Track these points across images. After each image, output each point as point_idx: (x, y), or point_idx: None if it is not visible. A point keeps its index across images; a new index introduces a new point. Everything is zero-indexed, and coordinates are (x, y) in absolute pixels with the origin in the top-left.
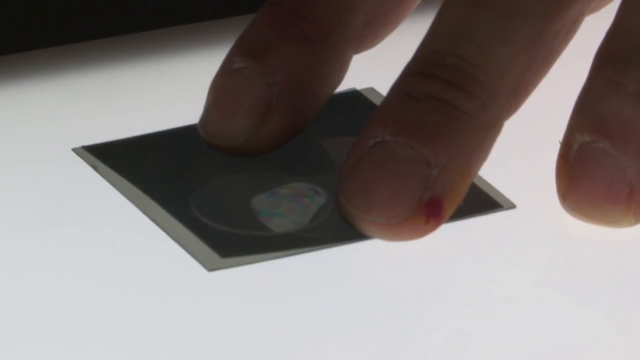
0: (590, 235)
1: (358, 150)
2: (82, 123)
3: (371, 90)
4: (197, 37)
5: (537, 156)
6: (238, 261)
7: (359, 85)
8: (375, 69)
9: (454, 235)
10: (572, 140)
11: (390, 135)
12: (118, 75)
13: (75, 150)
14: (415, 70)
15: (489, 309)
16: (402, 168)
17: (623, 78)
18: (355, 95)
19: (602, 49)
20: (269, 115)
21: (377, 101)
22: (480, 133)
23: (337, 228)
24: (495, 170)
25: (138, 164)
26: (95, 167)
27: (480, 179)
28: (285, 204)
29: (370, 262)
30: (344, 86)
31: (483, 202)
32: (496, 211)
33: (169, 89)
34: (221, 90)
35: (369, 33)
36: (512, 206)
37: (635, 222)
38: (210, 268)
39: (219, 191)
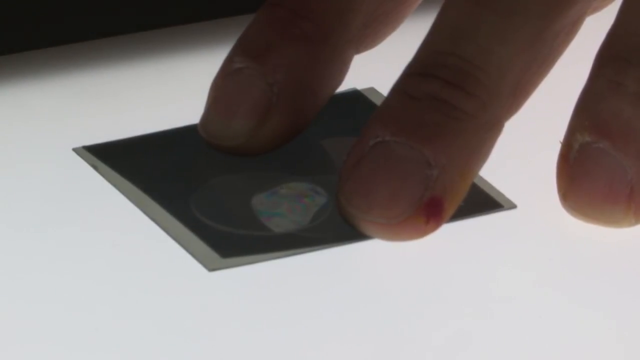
0: (590, 235)
1: (358, 150)
2: (82, 123)
3: (372, 90)
4: (197, 37)
5: (538, 156)
6: (238, 261)
7: (360, 85)
8: (375, 69)
9: (454, 236)
10: (573, 140)
11: (391, 135)
12: (118, 75)
13: (75, 150)
14: (415, 71)
15: (489, 309)
16: (402, 168)
17: (623, 78)
18: (355, 95)
19: (603, 50)
20: (269, 115)
21: (378, 101)
22: (481, 133)
23: (337, 228)
24: (495, 170)
25: (138, 164)
26: (95, 167)
27: (481, 179)
28: (285, 204)
29: (370, 262)
30: (344, 86)
31: (483, 202)
32: (497, 211)
33: (169, 89)
34: (221, 90)
35: (369, 33)
36: (512, 206)
37: (636, 222)
38: (211, 268)
39: (219, 191)
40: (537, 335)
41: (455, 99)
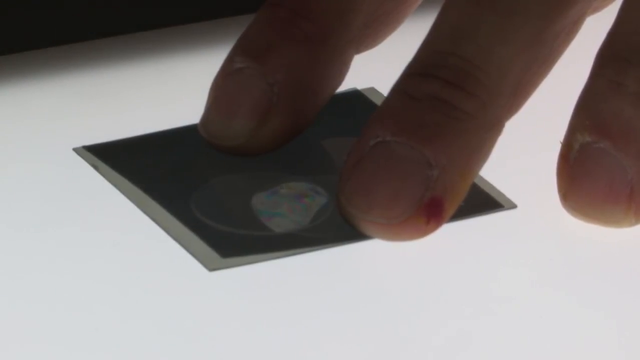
0: (590, 235)
1: (359, 150)
2: (82, 123)
3: (372, 90)
4: (197, 37)
5: (538, 156)
6: (239, 261)
7: (360, 85)
8: (375, 69)
9: (454, 236)
10: (573, 140)
11: (391, 135)
12: (118, 75)
13: (76, 150)
14: (416, 71)
15: (490, 309)
16: (402, 168)
17: (624, 78)
18: (356, 95)
19: (603, 49)
20: (269, 116)
21: (378, 101)
22: (481, 133)
23: (337, 228)
24: (496, 170)
25: (139, 164)
26: (96, 167)
27: (481, 178)
28: (285, 203)
29: (370, 262)
30: (344, 86)
31: (484, 202)
32: (497, 211)
33: (169, 89)
34: (222, 90)
35: (369, 33)
36: (513, 206)
37: (636, 222)
38: (211, 268)
39: (220, 191)
40: (537, 335)
41: (456, 99)
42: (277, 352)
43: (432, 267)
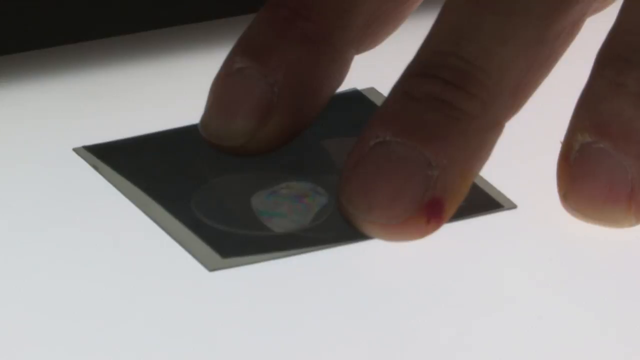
0: (591, 235)
1: (359, 150)
2: (82, 123)
3: (372, 90)
4: (197, 37)
5: (538, 156)
6: (239, 261)
7: (360, 85)
8: (376, 69)
9: (454, 236)
10: (573, 140)
11: (392, 135)
12: (118, 75)
13: (76, 150)
14: (416, 71)
15: (490, 309)
16: (403, 168)
17: (624, 78)
18: (356, 96)
19: (604, 50)
20: (269, 116)
21: (378, 101)
22: (481, 133)
23: (338, 228)
24: (496, 170)
25: (139, 164)
26: (96, 167)
27: (481, 179)
28: (286, 204)
29: (371, 263)
30: (344, 86)
31: (484, 202)
32: (497, 211)
33: (169, 89)
34: (222, 90)
35: (370, 33)
36: (513, 206)
37: (636, 222)
38: (211, 268)
39: (220, 191)
40: (537, 335)
41: (456, 99)
42: (277, 352)
43: (432, 267)
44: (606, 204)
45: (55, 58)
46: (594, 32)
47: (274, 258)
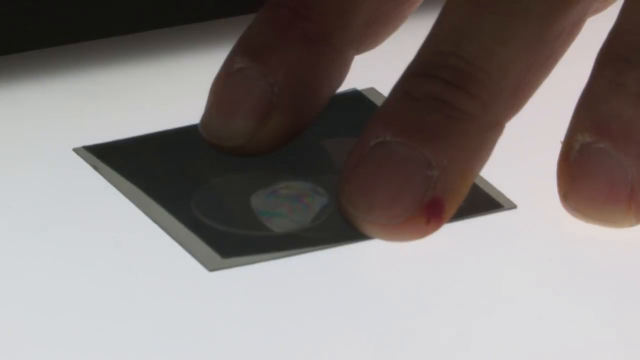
0: (590, 235)
1: (359, 150)
2: (82, 123)
3: (372, 90)
4: (197, 37)
5: (538, 156)
6: (239, 261)
7: (360, 86)
8: (375, 69)
9: (454, 236)
10: (574, 140)
11: (392, 135)
12: (118, 75)
13: (76, 150)
14: (417, 71)
15: (490, 309)
16: (403, 168)
17: (624, 78)
18: (356, 96)
19: (604, 50)
20: (269, 116)
21: (378, 101)
22: (482, 134)
23: (338, 228)
24: (496, 170)
25: (139, 164)
26: (95, 167)
27: (481, 179)
28: (286, 204)
29: (371, 263)
30: (344, 86)
31: (484, 202)
32: (497, 211)
33: (169, 89)
34: (222, 90)
35: (370, 33)
36: (513, 206)
37: (636, 223)
38: (211, 268)
39: (220, 191)
40: (537, 335)
41: (457, 99)
42: (277, 352)
43: (432, 268)
44: (606, 204)
45: (55, 58)
46: (594, 32)
47: (274, 258)
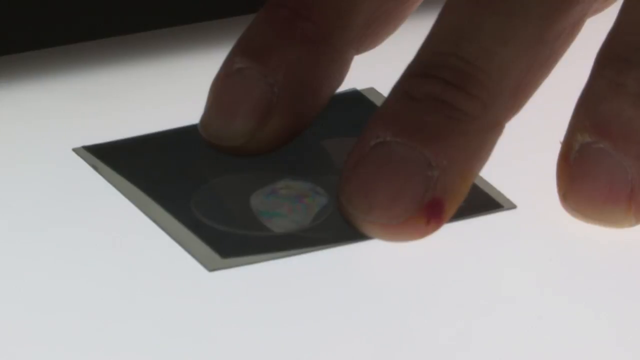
0: (590, 235)
1: (359, 150)
2: (82, 123)
3: (372, 90)
4: (197, 37)
5: (538, 156)
6: (239, 261)
7: (360, 86)
8: (375, 69)
9: (454, 236)
10: (573, 140)
11: (392, 135)
12: (118, 75)
13: (75, 150)
14: (416, 71)
15: (489, 309)
16: (403, 169)
17: (624, 79)
18: (356, 96)
19: (604, 50)
20: (269, 116)
21: (378, 102)
22: (482, 134)
23: (337, 228)
24: (495, 170)
25: (138, 164)
26: (95, 167)
27: (481, 179)
28: (285, 204)
29: (371, 263)
30: (344, 86)
31: (484, 202)
32: (497, 211)
33: (169, 89)
34: (222, 90)
35: (370, 33)
36: (512, 206)
37: (636, 223)
38: (211, 268)
39: (220, 191)
40: (537, 335)
41: (456, 99)
42: (277, 352)
43: (432, 268)
44: (606, 204)
45: (55, 58)
46: (594, 32)
47: (273, 258)
